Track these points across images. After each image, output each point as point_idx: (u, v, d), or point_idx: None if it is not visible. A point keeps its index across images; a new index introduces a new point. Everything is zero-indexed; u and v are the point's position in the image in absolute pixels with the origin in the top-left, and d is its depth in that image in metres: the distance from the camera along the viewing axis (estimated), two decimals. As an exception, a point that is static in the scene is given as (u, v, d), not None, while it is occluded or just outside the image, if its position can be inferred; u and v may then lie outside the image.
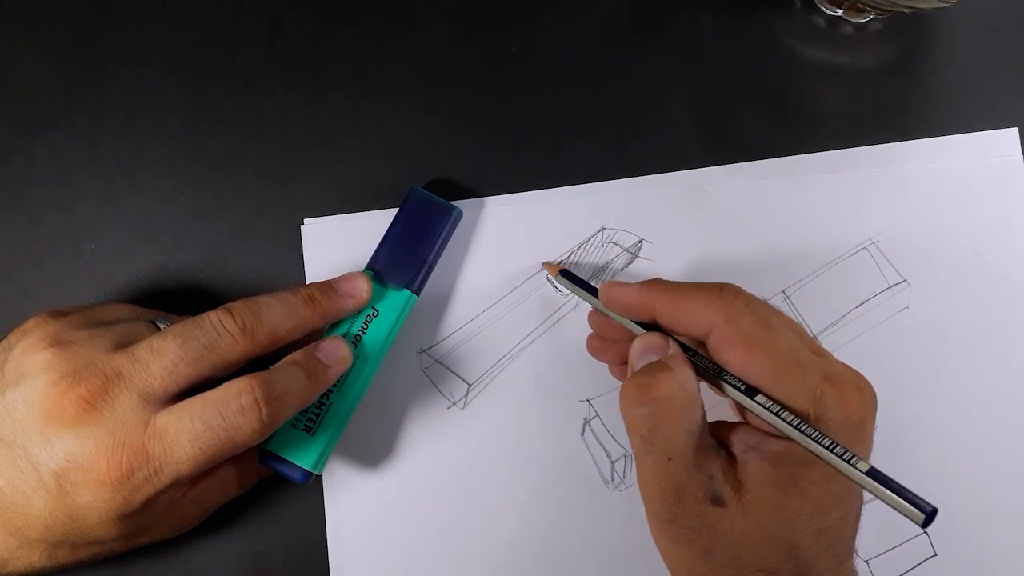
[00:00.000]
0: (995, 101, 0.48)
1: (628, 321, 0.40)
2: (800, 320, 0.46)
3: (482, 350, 0.47)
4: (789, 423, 0.34)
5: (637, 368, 0.38)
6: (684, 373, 0.36)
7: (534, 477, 0.46)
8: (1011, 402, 0.45)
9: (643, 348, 0.38)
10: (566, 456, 0.46)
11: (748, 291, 0.37)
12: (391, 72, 0.49)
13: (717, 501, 0.35)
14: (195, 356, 0.38)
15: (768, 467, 0.35)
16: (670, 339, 0.38)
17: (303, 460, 0.42)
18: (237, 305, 0.40)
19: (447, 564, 0.45)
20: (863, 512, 0.45)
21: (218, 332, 0.39)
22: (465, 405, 0.46)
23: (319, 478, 0.46)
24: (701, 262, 0.47)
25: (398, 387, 0.47)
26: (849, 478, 0.32)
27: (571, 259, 0.47)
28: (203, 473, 0.40)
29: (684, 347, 0.38)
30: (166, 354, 0.38)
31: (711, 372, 0.37)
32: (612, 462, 0.46)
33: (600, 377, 0.46)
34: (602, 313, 0.42)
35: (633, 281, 0.40)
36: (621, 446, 0.46)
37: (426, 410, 0.46)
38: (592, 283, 0.46)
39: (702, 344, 0.38)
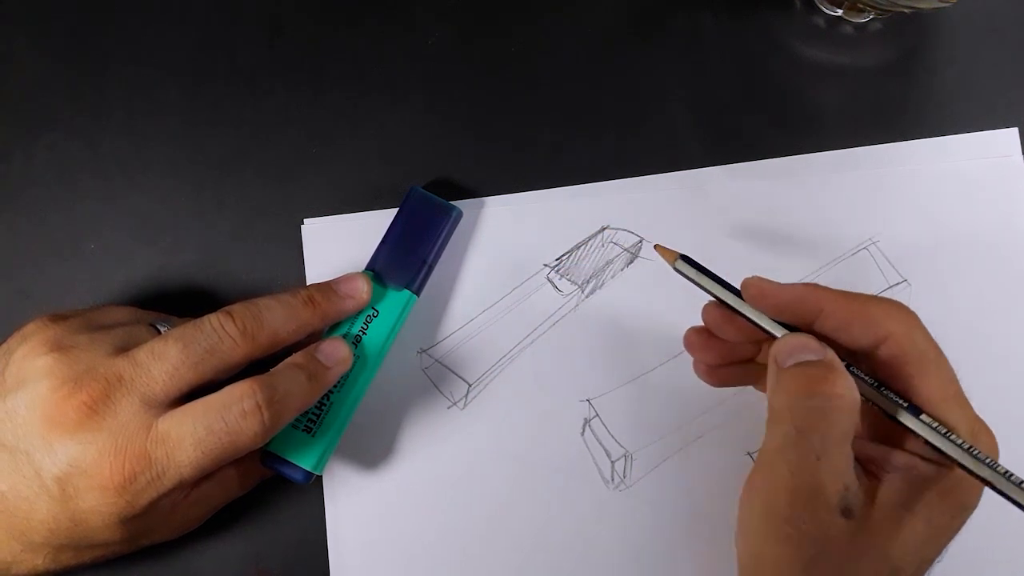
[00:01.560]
0: (995, 101, 0.48)
1: (769, 320, 0.38)
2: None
3: (482, 350, 0.47)
4: (959, 445, 0.34)
5: (788, 365, 0.36)
6: (850, 378, 0.35)
7: (534, 477, 0.46)
8: (1011, 402, 0.45)
9: (798, 346, 0.36)
10: (566, 456, 0.46)
11: None
12: (391, 72, 0.49)
13: (847, 512, 0.34)
14: (196, 360, 0.38)
15: (906, 489, 0.35)
16: (824, 346, 0.36)
17: (304, 461, 0.42)
18: (237, 308, 0.40)
19: (447, 564, 0.45)
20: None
21: (219, 335, 0.39)
22: (465, 405, 0.47)
23: (319, 478, 0.46)
24: (701, 262, 0.47)
25: (398, 387, 0.47)
26: None
27: (571, 259, 0.47)
28: (205, 475, 0.40)
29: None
30: (167, 358, 0.38)
31: (869, 384, 0.36)
32: (612, 462, 0.46)
33: (600, 377, 0.46)
34: (726, 309, 0.39)
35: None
36: (621, 446, 0.46)
37: (426, 410, 0.47)
38: (591, 283, 0.46)
39: (855, 357, 0.37)
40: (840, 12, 0.49)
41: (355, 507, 0.46)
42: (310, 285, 0.43)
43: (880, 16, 0.49)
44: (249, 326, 0.39)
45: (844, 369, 0.35)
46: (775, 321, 0.38)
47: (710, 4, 0.50)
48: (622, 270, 0.47)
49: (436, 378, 0.47)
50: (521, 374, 0.47)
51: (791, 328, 0.37)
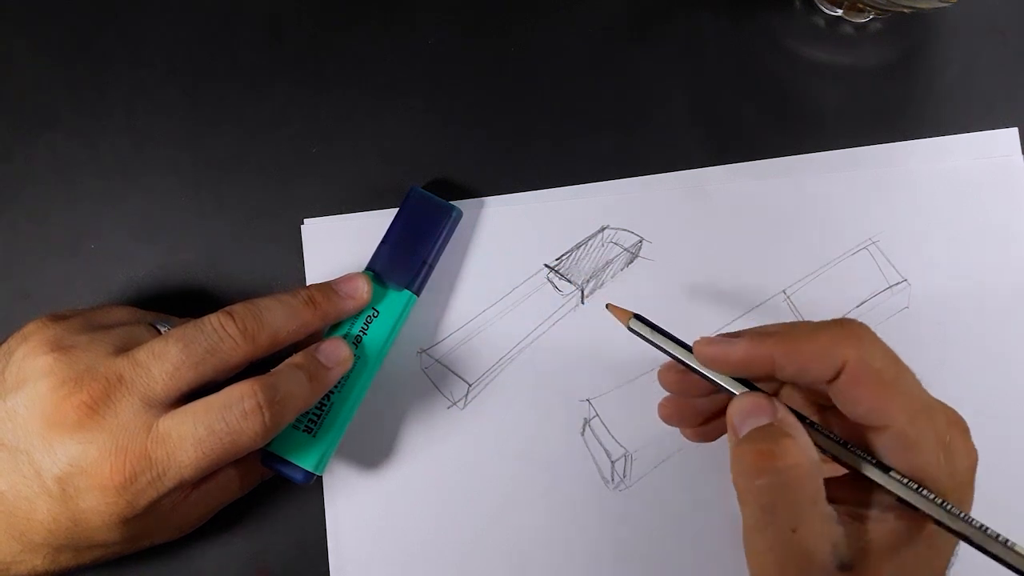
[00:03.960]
0: (995, 101, 0.48)
1: (724, 377, 0.36)
2: (800, 320, 0.46)
3: (482, 350, 0.47)
4: (932, 500, 0.33)
5: (744, 432, 0.35)
6: (804, 438, 0.34)
7: (534, 477, 0.46)
8: (1011, 402, 0.45)
9: (749, 409, 0.35)
10: (566, 456, 0.46)
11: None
12: (391, 72, 0.49)
13: (844, 567, 0.33)
14: (196, 360, 0.38)
15: (897, 528, 0.34)
16: (776, 400, 0.35)
17: (304, 461, 0.42)
18: (238, 308, 0.40)
19: (447, 564, 0.45)
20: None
21: (219, 335, 0.39)
22: (465, 405, 0.47)
23: (320, 479, 0.46)
24: (701, 262, 0.47)
25: (398, 387, 0.47)
26: (1005, 562, 0.31)
27: (571, 259, 0.47)
28: (205, 476, 0.40)
29: (799, 415, 0.35)
30: (167, 358, 0.38)
31: (834, 441, 0.35)
32: (612, 462, 0.46)
33: (600, 377, 0.46)
34: (681, 368, 0.38)
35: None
36: (621, 446, 0.46)
37: (426, 410, 0.47)
38: (591, 283, 0.46)
39: (814, 399, 0.37)
40: (840, 12, 0.49)
41: (355, 507, 0.46)
42: (310, 285, 0.43)
43: (880, 16, 0.49)
44: (250, 326, 0.39)
45: (798, 429, 0.34)
46: (732, 378, 0.36)
47: (710, 4, 0.50)
48: (622, 270, 0.47)
49: (436, 378, 0.47)
50: (521, 374, 0.47)
51: (749, 384, 0.36)
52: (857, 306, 0.46)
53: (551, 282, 0.47)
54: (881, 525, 0.34)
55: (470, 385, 0.47)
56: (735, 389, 0.36)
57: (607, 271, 0.47)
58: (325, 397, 0.43)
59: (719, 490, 0.45)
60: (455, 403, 0.47)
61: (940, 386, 0.45)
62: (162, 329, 0.41)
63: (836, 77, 0.49)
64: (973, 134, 0.48)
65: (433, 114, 0.49)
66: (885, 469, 0.34)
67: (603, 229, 0.48)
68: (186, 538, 0.43)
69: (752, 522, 0.34)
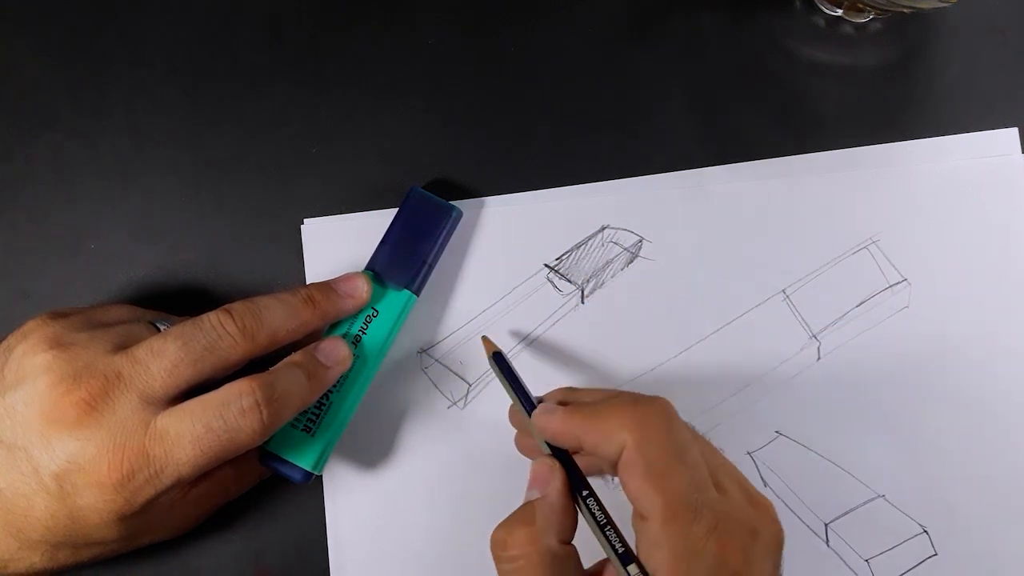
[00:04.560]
0: (995, 101, 0.48)
1: (542, 442, 0.38)
2: (801, 320, 0.46)
3: (482, 350, 0.47)
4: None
5: (524, 502, 0.36)
6: (548, 524, 0.34)
7: (534, 477, 0.46)
8: (1011, 402, 0.45)
9: (531, 478, 0.36)
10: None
11: (673, 411, 0.35)
12: (391, 72, 0.49)
13: None
14: (195, 357, 0.38)
15: None
16: (556, 469, 0.36)
17: (303, 460, 0.42)
18: (237, 306, 0.40)
19: (447, 564, 0.45)
20: (860, 512, 0.45)
21: (218, 333, 0.39)
22: (465, 405, 0.47)
23: (319, 478, 0.46)
24: (701, 262, 0.47)
25: (398, 387, 0.47)
26: None
27: (571, 259, 0.47)
28: (203, 474, 0.39)
29: (582, 484, 0.36)
30: (166, 355, 0.38)
31: (597, 521, 0.35)
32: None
33: (600, 377, 0.46)
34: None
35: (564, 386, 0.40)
36: (621, 446, 0.45)
37: (426, 410, 0.46)
38: (591, 283, 0.46)
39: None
40: (840, 12, 0.49)
41: (355, 507, 0.46)
42: (310, 284, 0.43)
43: (880, 16, 0.49)
44: (248, 324, 0.39)
45: (551, 513, 0.35)
46: (547, 444, 0.37)
47: (710, 4, 0.50)
48: (622, 270, 0.47)
49: (436, 378, 0.47)
50: (521, 374, 0.46)
51: (558, 451, 0.37)
52: (857, 305, 0.46)
53: (551, 282, 0.47)
54: None
55: (470, 385, 0.47)
56: (544, 450, 0.37)
57: (607, 271, 0.47)
58: (324, 396, 0.43)
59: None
60: (455, 403, 0.47)
61: (940, 385, 0.46)
62: (161, 327, 0.41)
63: (836, 77, 0.49)
64: (973, 134, 0.48)
65: (433, 114, 0.49)
66: (627, 562, 0.33)
67: (603, 229, 0.48)
68: (185, 537, 0.43)
69: None
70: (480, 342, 0.44)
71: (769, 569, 0.34)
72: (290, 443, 0.42)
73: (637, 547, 0.34)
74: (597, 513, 0.35)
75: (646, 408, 0.35)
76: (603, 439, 0.34)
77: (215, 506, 0.43)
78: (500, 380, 0.41)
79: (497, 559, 0.35)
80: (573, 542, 0.35)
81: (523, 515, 0.35)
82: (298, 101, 0.49)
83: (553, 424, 0.36)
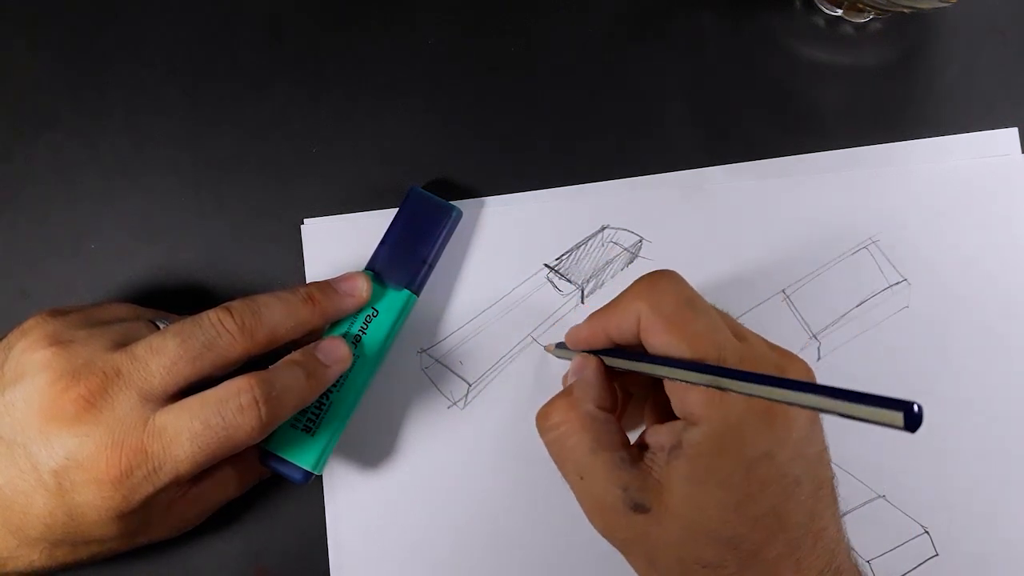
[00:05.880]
0: (995, 101, 0.48)
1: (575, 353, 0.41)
2: (801, 320, 0.46)
3: (482, 350, 0.47)
4: (707, 371, 0.33)
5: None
6: (585, 393, 0.38)
7: (534, 477, 0.46)
8: (1011, 402, 0.45)
9: (571, 368, 0.40)
10: (566, 456, 0.46)
11: (677, 274, 0.38)
12: (391, 72, 0.49)
13: (639, 508, 0.35)
14: (194, 355, 0.38)
15: (683, 464, 0.35)
16: (591, 357, 0.40)
17: (303, 460, 0.42)
18: (236, 304, 0.40)
19: (447, 564, 0.45)
20: (861, 512, 0.45)
21: (217, 331, 0.39)
22: (465, 405, 0.46)
23: (319, 478, 0.46)
24: (701, 262, 0.47)
25: (398, 387, 0.47)
26: (797, 404, 0.29)
27: (571, 259, 0.47)
28: (202, 473, 0.40)
29: (614, 354, 0.39)
30: (165, 353, 0.38)
31: (634, 360, 0.37)
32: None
33: (600, 377, 0.46)
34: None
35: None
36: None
37: (426, 410, 0.46)
38: (591, 283, 0.46)
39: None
40: (840, 12, 0.49)
41: (355, 507, 0.46)
42: (310, 283, 0.43)
43: (880, 16, 0.49)
44: (248, 322, 0.39)
45: (586, 386, 0.38)
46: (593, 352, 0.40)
47: (710, 4, 0.50)
48: (622, 270, 0.47)
49: (436, 378, 0.47)
50: (521, 374, 0.47)
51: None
52: (857, 305, 0.46)
53: (551, 282, 0.47)
54: (677, 467, 0.35)
55: (470, 385, 0.47)
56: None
57: (607, 271, 0.47)
58: (324, 396, 0.43)
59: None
60: (455, 403, 0.46)
61: (940, 385, 0.46)
62: (161, 325, 0.41)
63: (836, 77, 0.49)
64: (973, 134, 0.48)
65: (433, 114, 0.49)
66: (671, 364, 0.35)
67: (603, 229, 0.48)
68: (185, 537, 0.43)
69: (563, 475, 0.38)
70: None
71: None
72: (290, 443, 0.42)
73: (673, 405, 0.36)
74: (627, 353, 0.38)
75: (651, 277, 0.38)
76: (623, 317, 0.37)
77: (215, 506, 0.43)
78: (559, 356, 0.45)
79: (542, 431, 0.39)
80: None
81: (563, 393, 0.39)
82: (298, 101, 0.49)
83: (581, 331, 0.40)
